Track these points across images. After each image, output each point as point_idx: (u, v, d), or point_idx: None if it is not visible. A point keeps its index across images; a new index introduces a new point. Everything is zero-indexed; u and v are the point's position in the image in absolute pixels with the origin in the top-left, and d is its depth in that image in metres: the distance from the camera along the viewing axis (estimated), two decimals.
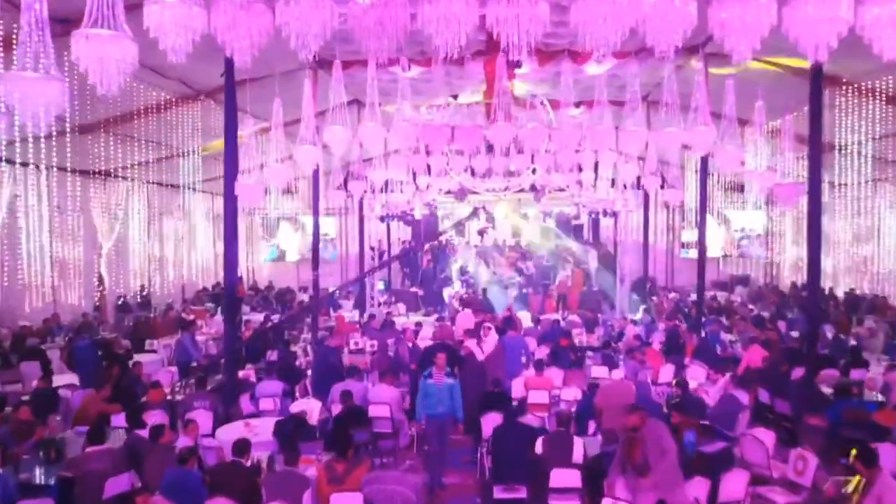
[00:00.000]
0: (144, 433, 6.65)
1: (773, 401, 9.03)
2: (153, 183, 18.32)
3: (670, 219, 23.74)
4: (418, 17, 4.53)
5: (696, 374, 10.41)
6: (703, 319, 14.54)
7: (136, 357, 12.47)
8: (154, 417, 7.68)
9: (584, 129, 8.20)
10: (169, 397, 8.98)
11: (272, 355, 12.09)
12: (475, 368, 9.27)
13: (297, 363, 11.62)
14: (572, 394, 9.24)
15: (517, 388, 9.68)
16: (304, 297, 19.88)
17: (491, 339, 9.25)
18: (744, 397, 8.32)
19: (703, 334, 12.95)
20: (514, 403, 9.36)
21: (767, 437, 7.05)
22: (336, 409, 8.20)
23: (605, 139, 8.01)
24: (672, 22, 4.28)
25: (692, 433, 6.66)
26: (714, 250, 20.95)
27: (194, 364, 11.39)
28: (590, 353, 11.81)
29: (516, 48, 4.57)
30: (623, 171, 12.31)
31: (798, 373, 9.74)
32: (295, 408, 8.30)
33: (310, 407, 8.32)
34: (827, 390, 9.13)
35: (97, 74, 4.02)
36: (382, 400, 8.51)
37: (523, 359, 11.00)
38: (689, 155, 7.75)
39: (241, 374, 10.44)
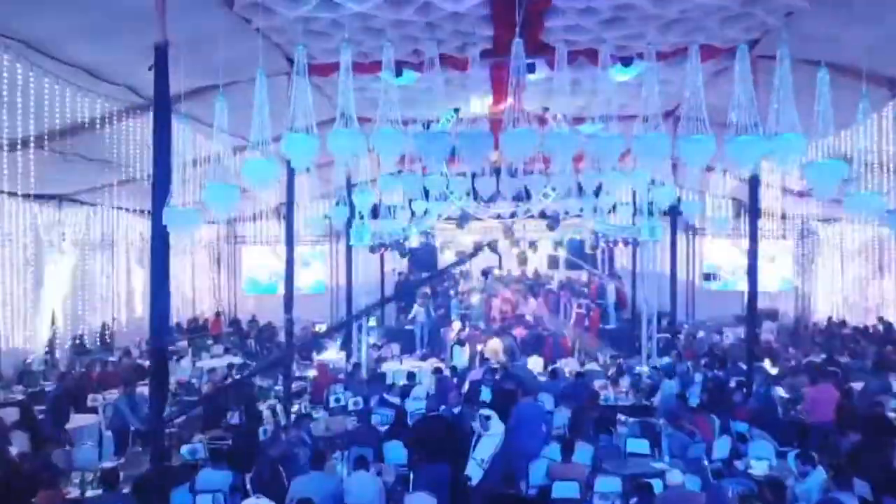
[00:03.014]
0: None
1: (876, 496, 6.84)
2: (117, 208, 16.25)
3: (690, 248, 21.71)
4: None
5: (761, 450, 8.23)
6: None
7: (73, 418, 10.40)
8: None
9: (629, 138, 6.20)
10: (76, 494, 6.79)
11: (234, 417, 9.99)
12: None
13: (263, 429, 9.45)
14: (610, 483, 7.07)
15: (536, 473, 7.54)
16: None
17: (495, 429, 6.93)
18: (851, 501, 6.14)
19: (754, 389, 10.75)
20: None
21: None
22: None
23: (657, 149, 6.01)
24: None
25: None
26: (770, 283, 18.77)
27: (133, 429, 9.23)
28: (621, 418, 9.60)
29: None
30: (658, 195, 10.26)
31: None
32: None
33: None
34: None
35: None
36: (359, 499, 6.37)
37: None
38: (779, 169, 5.68)
39: (187, 448, 8.36)
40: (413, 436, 7.28)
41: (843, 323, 19.12)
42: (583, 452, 7.97)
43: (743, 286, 21.14)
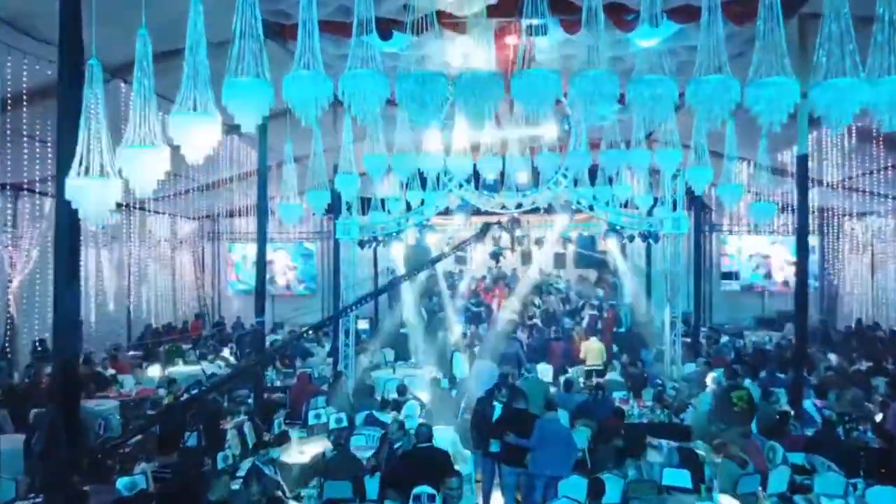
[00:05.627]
0: None
1: None
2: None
3: (707, 244, 20.20)
4: None
5: (830, 484, 6.71)
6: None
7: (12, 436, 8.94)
8: None
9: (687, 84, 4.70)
10: None
11: (192, 437, 8.49)
12: None
13: (223, 454, 7.91)
14: None
15: None
16: (275, 337, 16.21)
17: None
18: None
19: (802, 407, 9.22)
20: None
21: None
22: None
23: (721, 95, 4.52)
24: None
25: None
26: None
27: None
28: (652, 441, 8.03)
29: None
30: (693, 176, 8.70)
31: None
32: None
33: None
34: None
35: None
36: None
37: None
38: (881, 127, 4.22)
39: (124, 480, 6.84)
40: (398, 473, 5.72)
41: (875, 325, 17.59)
42: (611, 487, 6.45)
43: (768, 285, 20.03)
